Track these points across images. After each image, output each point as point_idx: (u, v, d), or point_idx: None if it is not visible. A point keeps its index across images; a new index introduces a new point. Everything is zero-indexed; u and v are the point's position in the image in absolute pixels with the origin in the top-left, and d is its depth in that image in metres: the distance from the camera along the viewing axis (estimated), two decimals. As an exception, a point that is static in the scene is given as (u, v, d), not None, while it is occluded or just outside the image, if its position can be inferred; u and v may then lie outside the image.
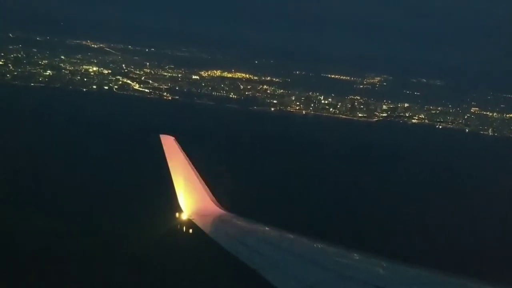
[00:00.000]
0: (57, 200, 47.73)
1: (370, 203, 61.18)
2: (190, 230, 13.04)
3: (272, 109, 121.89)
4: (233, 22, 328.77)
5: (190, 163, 13.65)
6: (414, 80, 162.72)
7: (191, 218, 13.39)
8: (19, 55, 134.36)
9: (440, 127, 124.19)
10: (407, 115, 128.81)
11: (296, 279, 10.46)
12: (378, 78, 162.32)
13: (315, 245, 12.26)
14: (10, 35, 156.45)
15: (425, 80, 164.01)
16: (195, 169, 13.66)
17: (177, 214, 13.56)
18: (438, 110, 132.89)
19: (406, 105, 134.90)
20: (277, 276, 10.41)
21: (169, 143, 13.97)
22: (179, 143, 13.85)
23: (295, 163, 74.19)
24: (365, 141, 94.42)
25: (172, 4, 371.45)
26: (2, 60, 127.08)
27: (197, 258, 32.19)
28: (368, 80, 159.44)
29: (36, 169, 56.83)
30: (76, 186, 52.65)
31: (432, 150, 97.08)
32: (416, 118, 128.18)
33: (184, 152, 13.72)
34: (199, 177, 13.71)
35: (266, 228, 13.45)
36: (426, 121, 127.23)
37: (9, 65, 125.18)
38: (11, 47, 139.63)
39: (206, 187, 13.71)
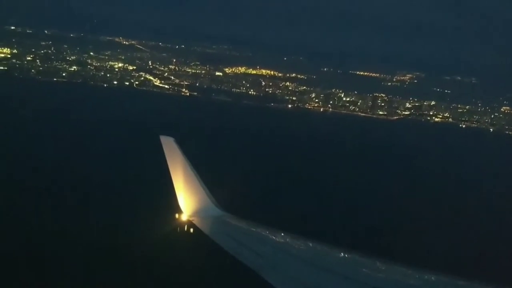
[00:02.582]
0: (54, 199, 46.56)
1: (365, 202, 59.17)
2: (191, 230, 13.00)
3: (289, 106, 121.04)
4: (266, 20, 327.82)
5: (190, 164, 13.58)
6: (448, 78, 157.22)
7: (190, 219, 13.34)
8: (49, 51, 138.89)
9: (464, 126, 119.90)
10: (431, 113, 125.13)
11: (296, 280, 10.48)
12: (410, 76, 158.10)
13: (315, 246, 12.30)
14: (46, 31, 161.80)
15: (459, 78, 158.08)
16: (194, 170, 13.61)
17: (176, 215, 13.49)
18: (466, 108, 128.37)
19: (432, 103, 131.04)
20: (277, 277, 10.44)
21: (168, 144, 13.91)
22: (178, 144, 13.78)
23: (286, 160, 73.03)
24: (375, 140, 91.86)
25: (207, 4, 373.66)
26: (31, 56, 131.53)
27: (196, 259, 31.89)
28: (398, 78, 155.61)
29: (24, 166, 55.74)
30: (72, 184, 51.36)
31: (446, 149, 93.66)
32: (440, 116, 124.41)
33: (183, 153, 13.64)
34: (199, 177, 13.62)
35: (266, 229, 13.31)
36: (450, 119, 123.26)
37: (37, 60, 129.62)
38: (43, 43, 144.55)
39: (206, 188, 13.64)
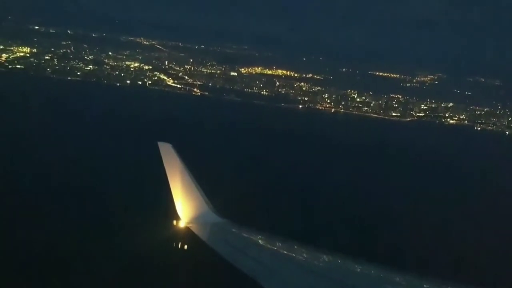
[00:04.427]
0: (49, 203, 46.19)
1: (361, 202, 57.85)
2: (187, 240, 13.28)
3: (300, 106, 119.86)
4: (288, 20, 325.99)
5: (188, 170, 13.64)
6: (471, 79, 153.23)
7: (188, 225, 13.36)
8: (68, 51, 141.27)
9: (479, 128, 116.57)
10: (446, 115, 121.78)
11: (294, 287, 10.57)
12: (431, 77, 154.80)
13: (313, 253, 12.28)
14: (68, 31, 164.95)
15: (482, 80, 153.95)
16: (192, 176, 13.65)
17: (174, 222, 13.51)
18: (484, 111, 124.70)
19: (450, 104, 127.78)
20: (275, 284, 10.51)
21: (166, 150, 13.94)
22: (176, 150, 13.82)
23: (276, 159, 72.20)
24: (377, 140, 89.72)
25: (231, 4, 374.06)
26: (50, 55, 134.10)
27: (194, 265, 31.88)
28: (418, 79, 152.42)
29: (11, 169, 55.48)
30: (65, 189, 50.55)
31: (452, 151, 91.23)
32: (456, 118, 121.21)
33: (181, 159, 13.67)
34: (197, 184, 13.67)
35: (265, 236, 13.42)
36: (466, 122, 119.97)
37: (55, 59, 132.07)
38: (63, 43, 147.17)
39: (204, 194, 13.70)
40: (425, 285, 10.36)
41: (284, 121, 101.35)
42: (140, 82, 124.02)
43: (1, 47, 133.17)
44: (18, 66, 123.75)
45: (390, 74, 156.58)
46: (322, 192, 62.06)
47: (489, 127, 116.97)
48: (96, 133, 76.11)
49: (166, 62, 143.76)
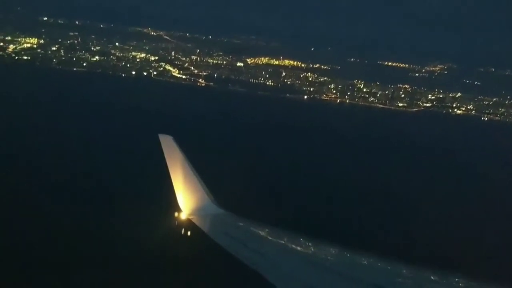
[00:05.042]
0: (51, 196, 46.23)
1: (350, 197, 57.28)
2: (189, 232, 13.10)
3: (305, 97, 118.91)
4: (298, 12, 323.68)
5: (189, 162, 13.69)
6: (481, 69, 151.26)
7: (190, 217, 13.44)
8: (75, 41, 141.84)
9: (486, 119, 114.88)
10: (453, 105, 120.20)
11: (295, 278, 10.56)
12: (441, 67, 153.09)
13: (314, 245, 12.46)
14: (77, 22, 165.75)
15: (493, 70, 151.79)
16: (193, 168, 13.71)
17: (176, 214, 13.58)
18: (492, 101, 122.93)
19: (458, 95, 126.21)
20: (276, 275, 10.52)
21: (167, 142, 14.05)
22: (177, 142, 13.92)
23: (276, 150, 71.90)
24: (381, 131, 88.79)
25: None
26: (57, 46, 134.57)
27: (195, 257, 31.95)
28: (428, 69, 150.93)
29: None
30: (66, 183, 50.12)
31: (455, 140, 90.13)
32: (463, 108, 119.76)
33: (182, 151, 13.76)
34: (198, 176, 13.74)
35: (265, 228, 13.47)
36: (473, 112, 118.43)
37: (62, 50, 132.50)
38: (71, 33, 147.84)
39: (205, 186, 13.76)
40: (432, 277, 10.35)
41: (287, 112, 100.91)
42: (145, 73, 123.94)
43: (9, 38, 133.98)
44: (25, 57, 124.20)
45: (399, 64, 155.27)
46: (323, 182, 61.62)
47: (497, 117, 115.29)
48: (95, 124, 76.06)
49: (173, 52, 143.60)
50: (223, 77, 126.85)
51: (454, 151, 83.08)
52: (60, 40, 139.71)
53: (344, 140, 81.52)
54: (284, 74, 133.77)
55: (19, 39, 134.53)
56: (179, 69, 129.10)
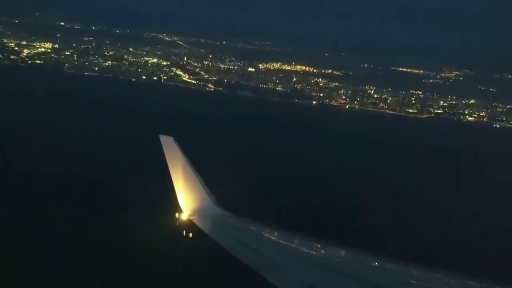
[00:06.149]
0: (53, 197, 47.20)
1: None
2: (190, 234, 13.25)
3: (314, 102, 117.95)
4: (314, 17, 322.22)
5: (189, 162, 13.78)
6: (497, 76, 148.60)
7: (190, 218, 13.56)
8: (90, 46, 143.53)
9: (498, 126, 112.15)
10: (466, 112, 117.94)
11: (296, 279, 10.57)
12: (456, 73, 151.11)
13: (315, 245, 12.48)
14: (93, 27, 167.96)
15: (510, 76, 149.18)
16: (194, 169, 13.79)
17: (176, 214, 13.72)
18: (506, 108, 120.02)
19: (472, 101, 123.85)
20: (277, 276, 10.55)
21: (168, 143, 14.08)
22: (178, 143, 13.97)
23: (277, 154, 71.70)
24: (379, 137, 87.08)
25: (259, 1, 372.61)
26: (70, 50, 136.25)
27: (196, 258, 32.20)
28: (443, 75, 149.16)
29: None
30: (66, 184, 51.48)
31: (460, 148, 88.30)
32: (475, 116, 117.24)
33: (183, 152, 13.83)
34: (199, 176, 13.83)
35: (266, 228, 13.62)
36: (485, 119, 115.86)
37: (75, 55, 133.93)
38: (86, 38, 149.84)
39: (206, 186, 13.85)
40: (433, 277, 10.36)
41: (293, 116, 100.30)
42: (155, 78, 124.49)
43: (24, 42, 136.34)
44: (38, 62, 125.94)
45: (413, 70, 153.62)
46: (322, 183, 61.49)
47: (509, 125, 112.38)
48: (92, 126, 76.89)
49: (185, 58, 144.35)
50: (233, 82, 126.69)
51: (456, 157, 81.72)
52: (74, 45, 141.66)
53: (343, 144, 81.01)
54: (295, 79, 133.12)
55: (34, 44, 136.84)
56: (189, 74, 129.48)
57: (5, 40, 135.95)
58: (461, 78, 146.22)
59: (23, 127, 67.94)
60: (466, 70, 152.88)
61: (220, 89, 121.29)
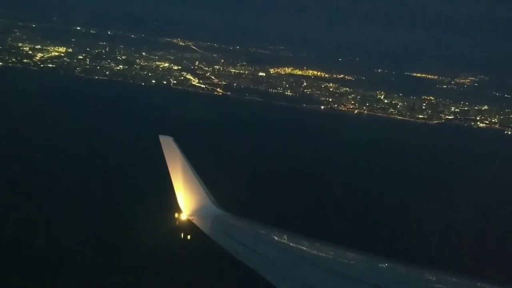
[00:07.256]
0: (53, 196, 47.87)
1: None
2: (189, 233, 13.50)
3: (322, 107, 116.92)
4: (329, 21, 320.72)
5: (189, 163, 13.92)
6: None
7: (190, 218, 13.68)
8: (103, 51, 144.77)
9: (509, 133, 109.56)
10: (477, 118, 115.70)
11: (295, 279, 10.69)
12: (471, 79, 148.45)
13: (314, 245, 12.65)
14: (108, 32, 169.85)
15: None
16: (194, 169, 13.94)
17: (176, 215, 13.87)
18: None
19: (485, 107, 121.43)
20: (277, 276, 10.66)
21: (167, 144, 14.23)
22: (177, 144, 14.17)
23: (278, 157, 72.04)
24: (385, 143, 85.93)
25: (276, 6, 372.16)
26: (84, 55, 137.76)
27: (196, 258, 32.59)
28: (458, 80, 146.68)
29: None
30: (69, 184, 52.08)
31: (465, 154, 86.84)
32: (487, 122, 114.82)
33: (182, 152, 13.98)
34: (198, 177, 13.99)
35: (266, 228, 13.73)
36: (497, 125, 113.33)
37: (87, 59, 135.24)
38: (100, 43, 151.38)
39: (205, 187, 14.00)
40: (432, 277, 10.37)
41: (299, 121, 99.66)
42: (165, 82, 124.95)
43: (38, 46, 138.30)
44: (50, 65, 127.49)
45: (427, 75, 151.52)
46: (322, 184, 61.64)
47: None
48: (91, 127, 77.48)
49: (197, 62, 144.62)
50: (242, 86, 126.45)
51: (459, 164, 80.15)
52: (88, 49, 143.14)
53: (342, 149, 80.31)
54: (305, 84, 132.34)
55: (49, 48, 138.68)
56: (199, 79, 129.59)
57: (20, 44, 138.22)
58: (476, 84, 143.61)
59: (22, 133, 68.46)
60: (482, 76, 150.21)
61: (229, 93, 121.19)
